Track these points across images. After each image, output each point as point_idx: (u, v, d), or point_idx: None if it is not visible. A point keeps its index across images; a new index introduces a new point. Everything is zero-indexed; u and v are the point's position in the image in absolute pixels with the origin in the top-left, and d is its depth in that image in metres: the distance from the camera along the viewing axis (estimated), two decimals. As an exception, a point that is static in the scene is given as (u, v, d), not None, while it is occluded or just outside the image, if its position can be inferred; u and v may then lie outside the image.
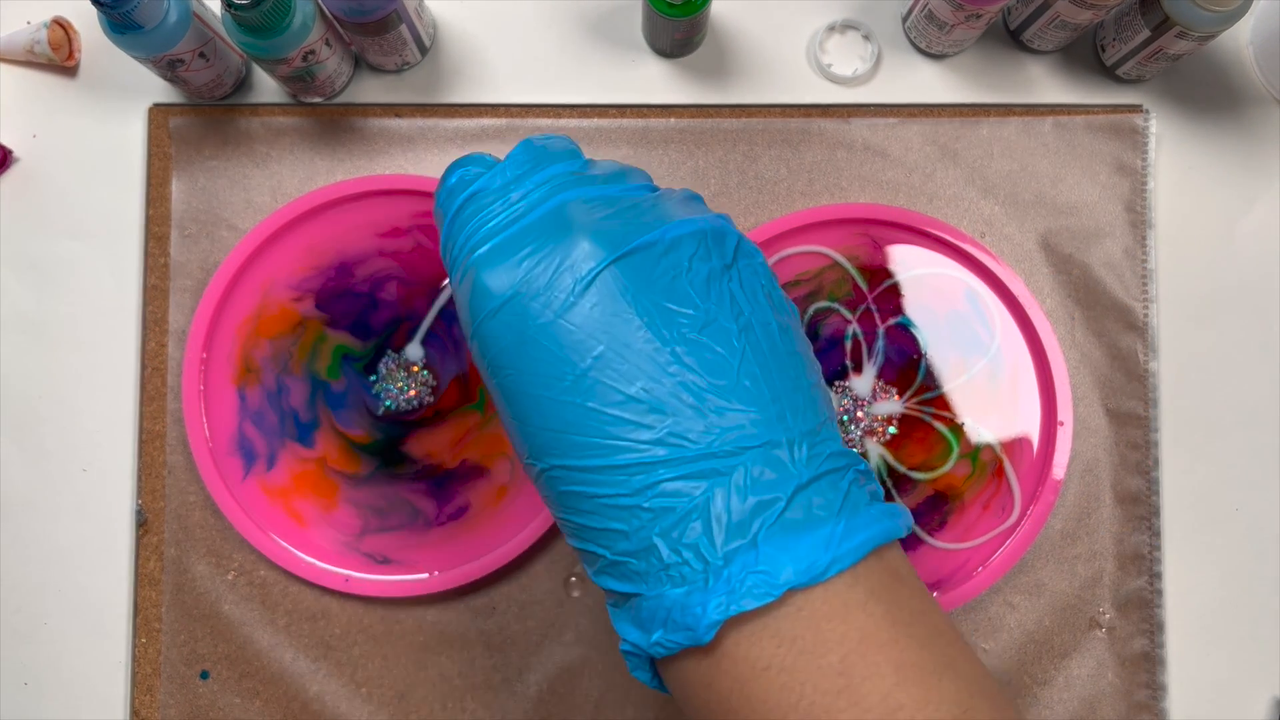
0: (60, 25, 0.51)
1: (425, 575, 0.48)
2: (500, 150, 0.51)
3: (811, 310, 0.50)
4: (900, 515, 0.30)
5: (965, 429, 0.49)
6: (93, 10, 0.50)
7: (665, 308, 0.29)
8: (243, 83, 0.52)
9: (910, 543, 0.49)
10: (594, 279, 0.29)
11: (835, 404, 0.49)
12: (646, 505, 0.28)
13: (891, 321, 0.50)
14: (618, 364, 0.29)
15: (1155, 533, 0.50)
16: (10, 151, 0.51)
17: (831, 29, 0.52)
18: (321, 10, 0.46)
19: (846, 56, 0.52)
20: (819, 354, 0.50)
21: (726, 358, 0.29)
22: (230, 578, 0.49)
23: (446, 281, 0.50)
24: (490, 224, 0.31)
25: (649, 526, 0.28)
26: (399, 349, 0.50)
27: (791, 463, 0.29)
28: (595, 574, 0.31)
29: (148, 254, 0.51)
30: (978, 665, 0.29)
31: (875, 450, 0.49)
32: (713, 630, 0.27)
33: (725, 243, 0.31)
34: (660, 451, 0.28)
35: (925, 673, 0.27)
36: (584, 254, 0.29)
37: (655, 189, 0.33)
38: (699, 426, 0.28)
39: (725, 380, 0.29)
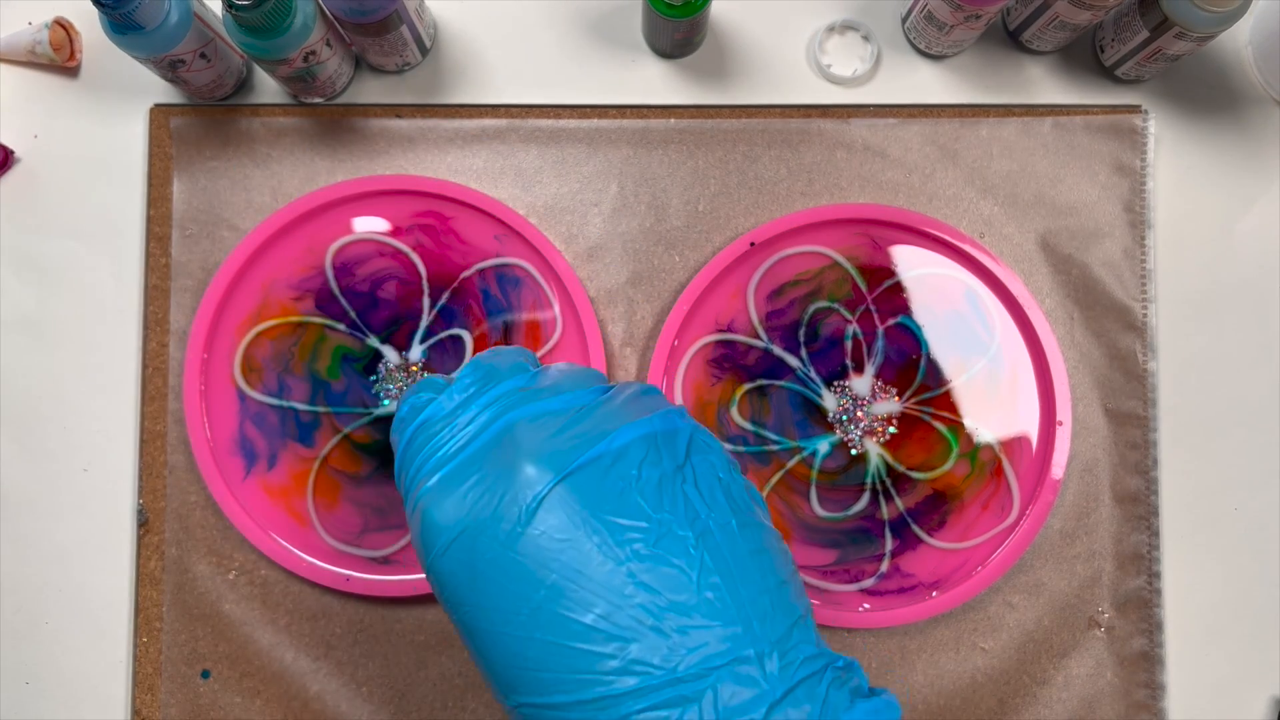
0: (61, 26, 0.51)
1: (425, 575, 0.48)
2: (501, 152, 0.51)
3: (811, 310, 0.50)
4: (887, 710, 0.29)
5: (965, 429, 0.50)
6: (94, 11, 0.50)
7: (616, 524, 0.28)
8: (244, 83, 0.52)
9: (910, 542, 0.49)
10: (539, 505, 0.28)
11: (835, 404, 0.50)
12: None
13: (891, 321, 0.50)
14: (573, 592, 0.28)
15: (1154, 532, 0.50)
16: (11, 152, 0.51)
17: (831, 29, 0.52)
18: (322, 11, 0.46)
19: (846, 57, 0.52)
20: (819, 354, 0.50)
21: (684, 570, 0.28)
22: (231, 577, 0.49)
23: (446, 282, 0.50)
24: (438, 454, 0.31)
25: None
26: (399, 349, 0.50)
27: (763, 678, 0.27)
28: None
29: (149, 254, 0.51)
30: None
31: (875, 450, 0.50)
32: None
33: (676, 442, 0.31)
34: (629, 681, 0.27)
35: None
36: (528, 480, 0.29)
37: (607, 388, 0.33)
38: (663, 649, 0.27)
39: (685, 595, 0.28)
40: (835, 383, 0.50)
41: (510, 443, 0.30)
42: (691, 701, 0.27)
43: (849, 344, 0.50)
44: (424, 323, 0.50)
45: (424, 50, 0.51)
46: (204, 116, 0.51)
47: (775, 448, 0.49)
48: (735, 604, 0.28)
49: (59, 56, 0.51)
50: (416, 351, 0.50)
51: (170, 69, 0.46)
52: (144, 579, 0.49)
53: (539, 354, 0.49)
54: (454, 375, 0.33)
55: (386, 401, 0.49)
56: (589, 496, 0.29)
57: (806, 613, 0.30)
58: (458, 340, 0.50)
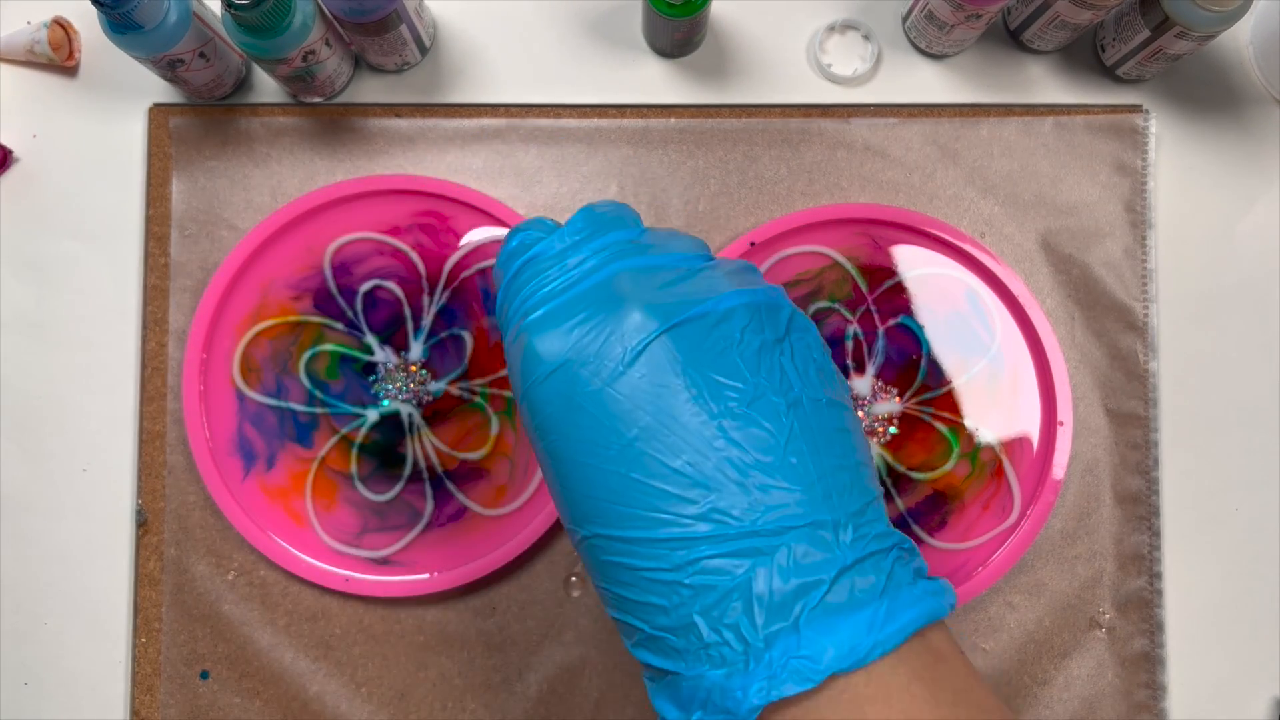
0: (60, 25, 0.51)
1: (425, 575, 0.48)
2: (501, 151, 0.51)
3: (812, 310, 0.50)
4: (944, 594, 0.30)
5: (965, 429, 0.49)
6: (93, 10, 0.50)
7: (714, 380, 0.29)
8: (243, 83, 0.52)
9: (910, 543, 0.49)
10: (644, 349, 0.29)
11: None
12: (687, 581, 0.28)
13: (892, 321, 0.50)
14: (664, 436, 0.28)
15: (1155, 533, 0.50)
16: (10, 151, 0.51)
17: (831, 29, 0.52)
18: (321, 10, 0.46)
19: (846, 56, 0.52)
20: (819, 354, 0.50)
21: (774, 434, 0.29)
22: (230, 578, 0.49)
23: (445, 282, 0.50)
24: (545, 289, 0.31)
25: (689, 603, 0.28)
26: (398, 349, 0.50)
27: (836, 544, 0.28)
28: (633, 646, 0.30)
29: (148, 254, 0.51)
30: None
31: (876, 450, 0.49)
32: (754, 715, 0.27)
33: (778, 315, 0.31)
34: (703, 527, 0.28)
35: None
36: (635, 325, 0.29)
37: (710, 258, 0.33)
38: (743, 503, 0.28)
39: (771, 457, 0.28)
40: (835, 383, 0.50)
41: (618, 288, 0.30)
42: (764, 555, 0.28)
43: (849, 344, 0.50)
44: (425, 322, 0.50)
45: (423, 50, 0.51)
46: (203, 116, 0.51)
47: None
48: (818, 473, 0.29)
49: (58, 56, 0.51)
50: (417, 351, 0.50)
51: (169, 68, 0.46)
52: (143, 579, 0.49)
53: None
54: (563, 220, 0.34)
55: (386, 402, 0.49)
56: (691, 350, 0.29)
57: (879, 497, 0.31)
58: (458, 340, 0.50)
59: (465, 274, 0.50)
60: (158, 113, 0.51)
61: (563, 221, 0.34)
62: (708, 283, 0.31)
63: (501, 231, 0.50)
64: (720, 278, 0.32)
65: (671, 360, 0.29)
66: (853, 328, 0.50)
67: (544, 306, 0.31)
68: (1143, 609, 0.49)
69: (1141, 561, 0.50)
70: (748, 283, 0.32)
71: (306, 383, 0.49)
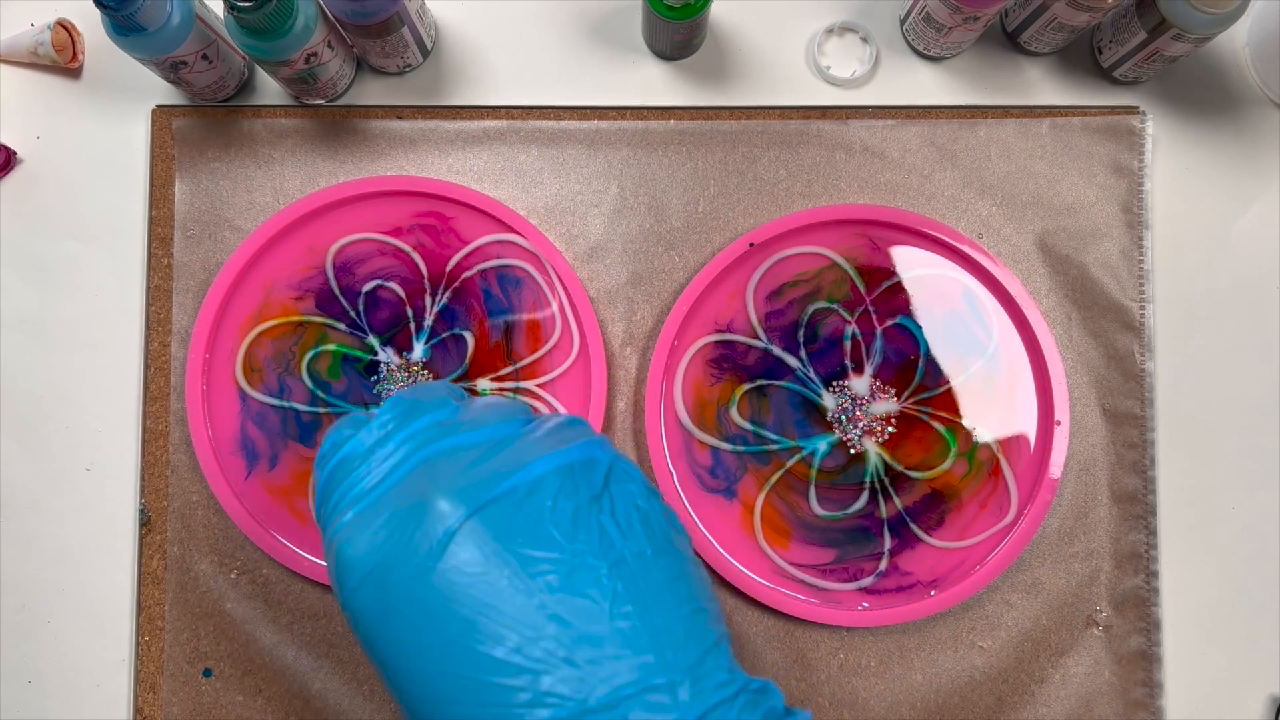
0: (64, 27, 0.51)
1: (427, 574, 0.48)
2: (502, 153, 0.51)
3: (810, 310, 0.50)
4: None
5: (963, 428, 0.50)
6: (96, 12, 0.50)
7: (528, 557, 0.28)
8: (245, 85, 0.52)
9: (908, 541, 0.49)
10: (450, 539, 0.28)
11: (834, 404, 0.50)
12: None
13: (890, 322, 0.50)
14: (485, 625, 0.28)
15: (1152, 531, 0.50)
16: (14, 153, 0.51)
17: (830, 31, 0.53)
18: (324, 13, 0.46)
19: (845, 59, 0.53)
20: (818, 354, 0.50)
21: (597, 600, 0.28)
22: (233, 576, 0.49)
23: (446, 283, 0.50)
24: (355, 489, 0.31)
25: None
26: (400, 349, 0.50)
27: (674, 705, 0.27)
28: None
29: (151, 254, 0.51)
30: None
31: (873, 449, 0.50)
32: None
33: (594, 472, 0.31)
34: (541, 713, 0.27)
35: None
36: (440, 514, 0.29)
37: (528, 420, 0.33)
38: (574, 680, 0.27)
39: (597, 625, 0.28)
40: (834, 383, 0.50)
41: (425, 477, 0.30)
42: None
43: (848, 344, 0.50)
44: (427, 322, 0.50)
45: (425, 52, 0.51)
46: (206, 118, 0.51)
47: (775, 447, 0.50)
48: (648, 632, 0.28)
49: (61, 58, 0.51)
50: (419, 351, 0.50)
51: (172, 70, 0.47)
52: (146, 578, 0.49)
53: (538, 354, 0.50)
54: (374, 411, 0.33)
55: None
56: (502, 529, 0.29)
57: (722, 638, 0.30)
58: (460, 340, 0.50)
59: (466, 274, 0.50)
60: (161, 114, 0.51)
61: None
62: (519, 452, 0.31)
63: (503, 234, 0.50)
64: (532, 444, 0.31)
65: (482, 545, 0.28)
66: (851, 328, 0.50)
67: (353, 508, 0.31)
68: (1139, 607, 0.50)
69: (1138, 560, 0.50)
70: (564, 440, 0.31)
71: (309, 383, 0.50)
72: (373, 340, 0.50)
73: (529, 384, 0.50)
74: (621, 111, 0.52)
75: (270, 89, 0.52)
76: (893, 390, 0.50)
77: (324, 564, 0.48)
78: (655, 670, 0.28)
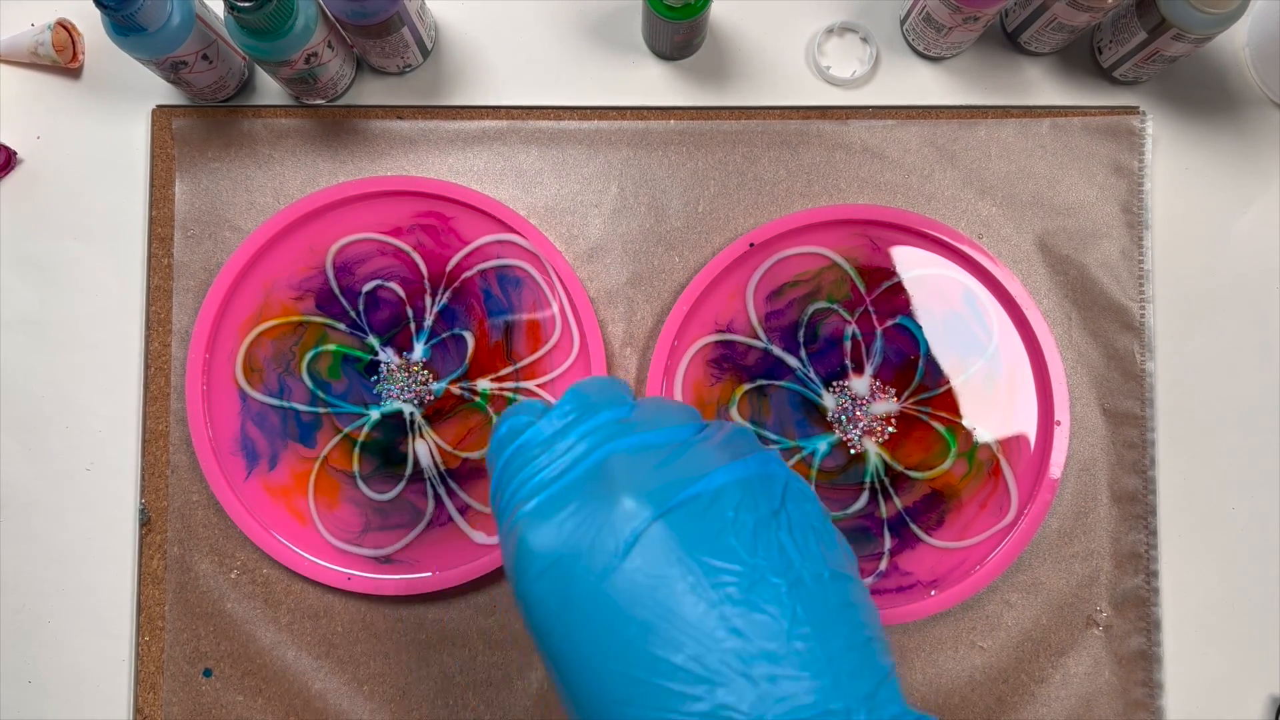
0: (64, 27, 0.51)
1: (427, 574, 0.48)
2: (502, 153, 0.51)
3: (810, 310, 0.50)
4: None
5: (963, 428, 0.50)
6: (97, 12, 0.50)
7: (710, 566, 0.28)
8: (245, 85, 0.52)
9: (908, 541, 0.49)
10: (637, 540, 0.28)
11: (834, 404, 0.50)
12: None
13: (890, 322, 0.50)
14: (664, 630, 0.27)
15: (1152, 531, 0.50)
16: (14, 153, 0.51)
17: (830, 31, 0.53)
18: (324, 13, 0.46)
19: (845, 59, 0.53)
20: (818, 354, 0.50)
21: (776, 619, 0.28)
22: (233, 576, 0.49)
23: (446, 283, 0.50)
24: (536, 478, 0.31)
25: None
26: (400, 349, 0.50)
27: None
28: None
29: (151, 254, 0.51)
30: None
31: (873, 449, 0.50)
32: None
33: (772, 486, 0.31)
34: None
35: None
36: (626, 514, 0.29)
37: (702, 426, 0.33)
38: (751, 697, 0.27)
39: (776, 644, 0.27)
40: (834, 383, 0.50)
41: (608, 474, 0.30)
42: None
43: (848, 344, 0.50)
44: (427, 322, 0.50)
45: (425, 52, 0.51)
46: (206, 118, 0.51)
47: (775, 447, 0.50)
48: (825, 656, 0.28)
49: (61, 58, 0.51)
50: (419, 351, 0.50)
51: (172, 70, 0.47)
52: (146, 578, 0.49)
53: (538, 354, 0.50)
54: (551, 401, 0.33)
55: (388, 401, 0.50)
56: (685, 535, 0.29)
57: (892, 671, 0.30)
58: (460, 340, 0.50)
59: (466, 274, 0.50)
60: (161, 114, 0.52)
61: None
62: (699, 458, 0.31)
63: (503, 234, 0.50)
64: (711, 452, 0.31)
65: (666, 549, 0.28)
66: (851, 328, 0.50)
67: (536, 497, 0.31)
68: (1139, 607, 0.50)
69: (1138, 560, 0.50)
70: (740, 452, 0.31)
71: (309, 382, 0.50)
72: (373, 340, 0.50)
73: (529, 384, 0.50)
74: (621, 111, 0.52)
75: (270, 89, 0.52)
76: (893, 390, 0.50)
77: (324, 563, 0.48)
78: (832, 695, 0.27)
